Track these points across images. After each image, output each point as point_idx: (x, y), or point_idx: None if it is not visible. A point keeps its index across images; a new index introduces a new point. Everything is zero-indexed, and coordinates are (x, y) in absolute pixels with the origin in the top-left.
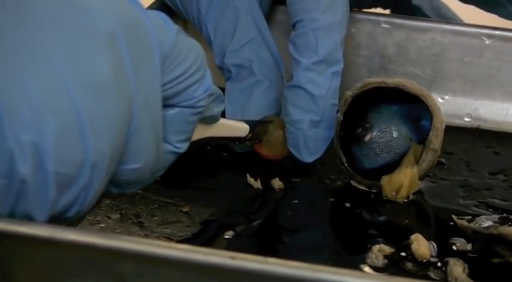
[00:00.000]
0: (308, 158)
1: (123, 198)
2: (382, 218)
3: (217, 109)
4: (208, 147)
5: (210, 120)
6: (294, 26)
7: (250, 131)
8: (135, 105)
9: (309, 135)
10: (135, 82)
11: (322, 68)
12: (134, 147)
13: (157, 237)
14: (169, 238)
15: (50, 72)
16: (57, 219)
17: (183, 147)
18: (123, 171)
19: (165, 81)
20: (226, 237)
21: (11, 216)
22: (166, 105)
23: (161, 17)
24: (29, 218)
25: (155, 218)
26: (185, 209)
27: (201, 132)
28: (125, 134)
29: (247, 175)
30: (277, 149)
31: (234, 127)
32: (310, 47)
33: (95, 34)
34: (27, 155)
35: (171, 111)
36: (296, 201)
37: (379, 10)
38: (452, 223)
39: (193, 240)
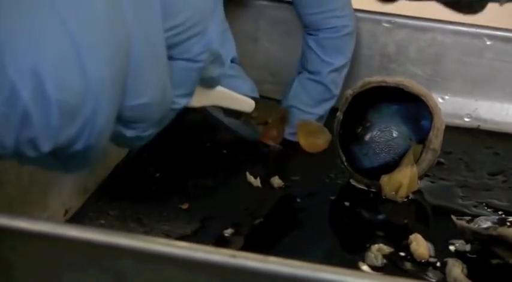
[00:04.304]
0: None
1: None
2: (381, 217)
3: (216, 71)
4: (208, 144)
5: (210, 82)
6: (319, 30)
7: (255, 109)
8: (134, 40)
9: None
10: (134, 19)
11: (344, 69)
12: (137, 81)
13: (156, 234)
14: (168, 235)
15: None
16: (65, 151)
17: (182, 102)
18: (130, 107)
19: (165, 27)
20: (226, 234)
21: (17, 146)
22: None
23: None
24: (34, 148)
25: (154, 215)
26: (184, 206)
27: (204, 98)
28: (125, 67)
29: (247, 173)
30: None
31: (237, 99)
32: (341, 51)
33: None
34: (27, 81)
35: (171, 64)
36: (295, 199)
37: None
38: (451, 223)
39: (192, 237)
